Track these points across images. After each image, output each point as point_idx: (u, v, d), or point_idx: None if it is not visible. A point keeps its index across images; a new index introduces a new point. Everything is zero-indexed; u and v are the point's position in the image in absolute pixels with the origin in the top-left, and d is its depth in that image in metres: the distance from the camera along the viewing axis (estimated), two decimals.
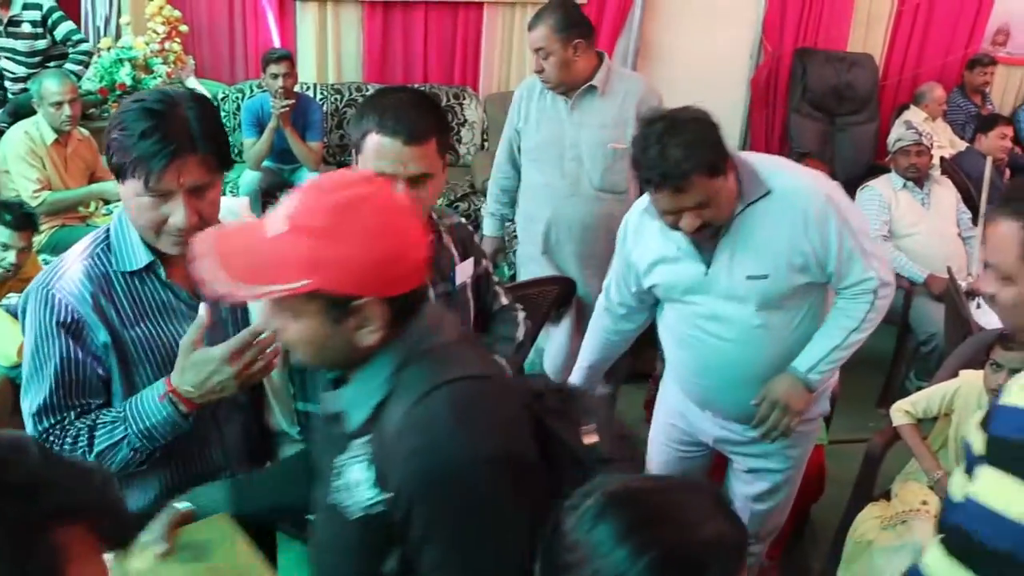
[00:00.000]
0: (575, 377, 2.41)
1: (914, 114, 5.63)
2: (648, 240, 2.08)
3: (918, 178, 4.05)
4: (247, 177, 4.67)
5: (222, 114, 5.27)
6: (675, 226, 1.90)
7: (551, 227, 3.11)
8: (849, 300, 2.02)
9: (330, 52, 5.52)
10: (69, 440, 1.47)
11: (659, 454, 2.41)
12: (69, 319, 1.47)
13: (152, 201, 1.42)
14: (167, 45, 5.07)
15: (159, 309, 1.54)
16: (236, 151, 5.26)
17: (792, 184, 1.95)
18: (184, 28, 5.19)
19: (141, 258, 1.50)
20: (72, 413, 1.49)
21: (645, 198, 2.08)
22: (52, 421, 1.48)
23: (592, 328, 2.39)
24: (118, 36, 5.08)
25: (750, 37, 6.01)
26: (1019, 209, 1.29)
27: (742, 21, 5.93)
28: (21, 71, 4.64)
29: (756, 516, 2.32)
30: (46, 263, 3.60)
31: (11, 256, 3.04)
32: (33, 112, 4.24)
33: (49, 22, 4.58)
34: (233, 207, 1.68)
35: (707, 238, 1.94)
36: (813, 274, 1.97)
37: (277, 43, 5.33)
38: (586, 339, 2.42)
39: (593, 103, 2.98)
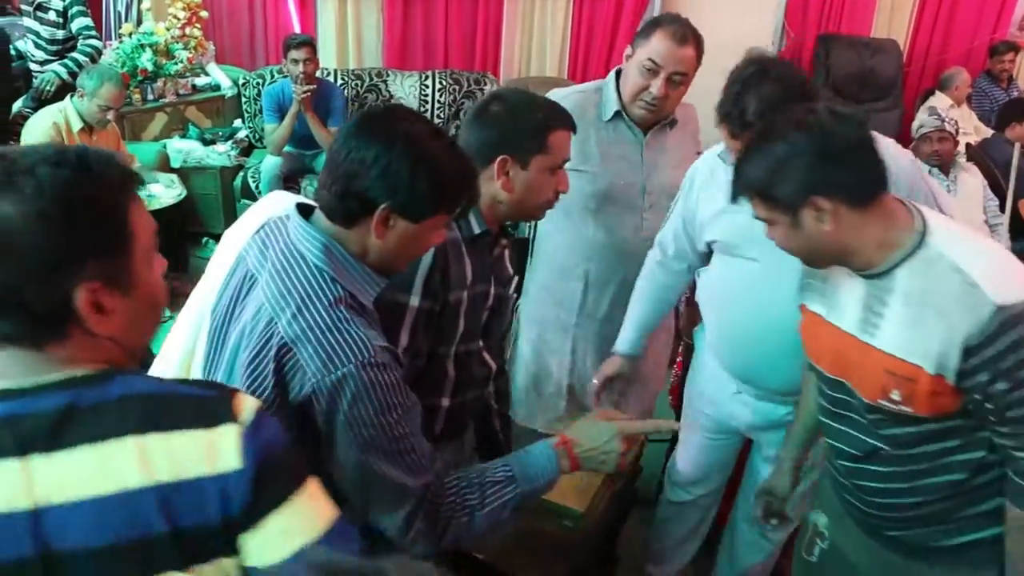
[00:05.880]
0: (622, 343, 2.31)
1: (939, 100, 5.57)
2: (717, 189, 2.03)
3: (942, 165, 3.99)
4: (268, 162, 4.66)
5: (242, 100, 5.27)
6: None
7: (621, 290, 2.50)
8: None
9: (350, 38, 5.51)
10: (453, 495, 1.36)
11: (691, 443, 2.40)
12: (400, 370, 1.33)
13: None
14: (188, 31, 5.10)
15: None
16: (257, 137, 5.27)
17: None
18: (204, 14, 5.21)
19: (376, 283, 1.40)
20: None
21: (719, 145, 2.06)
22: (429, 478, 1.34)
23: (642, 287, 2.33)
24: (139, 22, 5.10)
25: (772, 22, 5.95)
26: None
27: (765, 6, 5.87)
28: (40, 56, 4.65)
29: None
30: None
31: None
32: (56, 99, 4.26)
33: (69, 14, 4.59)
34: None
35: None
36: None
37: (297, 29, 5.33)
38: (635, 300, 2.33)
39: (666, 140, 2.47)
